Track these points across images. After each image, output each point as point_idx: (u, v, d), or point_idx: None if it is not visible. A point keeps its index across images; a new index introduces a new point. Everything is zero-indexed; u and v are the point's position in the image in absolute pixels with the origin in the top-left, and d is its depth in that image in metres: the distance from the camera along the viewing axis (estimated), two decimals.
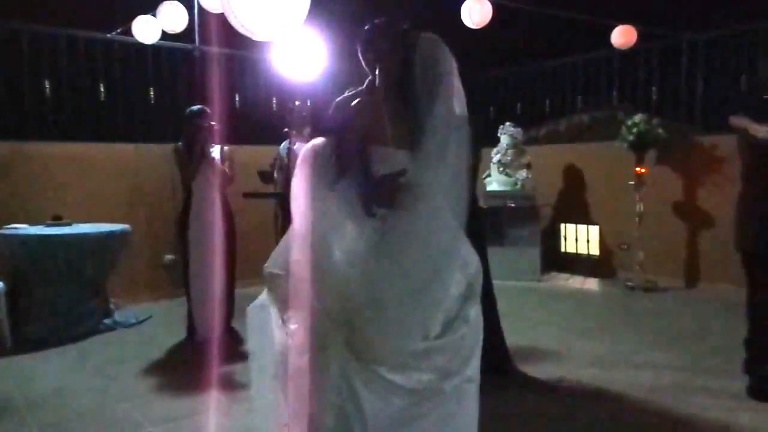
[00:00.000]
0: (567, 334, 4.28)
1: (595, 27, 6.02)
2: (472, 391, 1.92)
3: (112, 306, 4.82)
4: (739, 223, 3.15)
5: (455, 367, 1.84)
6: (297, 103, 4.97)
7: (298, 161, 1.98)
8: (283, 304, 1.92)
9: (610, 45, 6.04)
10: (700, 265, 5.74)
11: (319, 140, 2.00)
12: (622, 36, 5.93)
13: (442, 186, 1.81)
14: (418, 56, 1.86)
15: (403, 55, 1.90)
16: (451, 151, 1.80)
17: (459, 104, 1.83)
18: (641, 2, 6.91)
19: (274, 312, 1.96)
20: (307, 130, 4.89)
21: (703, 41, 6.07)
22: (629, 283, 5.78)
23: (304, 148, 2.02)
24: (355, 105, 1.94)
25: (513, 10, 5.93)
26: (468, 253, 1.93)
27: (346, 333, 1.79)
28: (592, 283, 6.18)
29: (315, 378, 1.80)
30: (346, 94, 2.01)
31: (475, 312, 1.93)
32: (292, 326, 1.88)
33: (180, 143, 4.22)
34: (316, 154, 1.93)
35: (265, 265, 2.03)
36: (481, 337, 1.96)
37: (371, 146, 1.88)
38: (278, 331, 1.93)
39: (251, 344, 2.07)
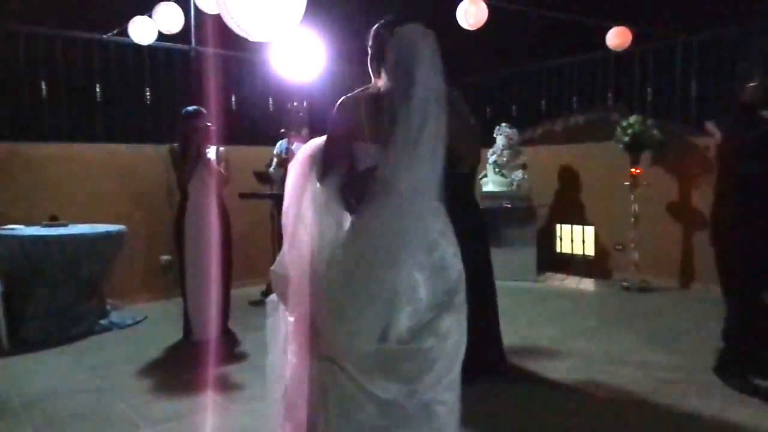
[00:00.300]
0: (563, 333, 4.30)
1: (590, 28, 6.04)
2: (445, 414, 1.83)
3: (108, 307, 4.82)
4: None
5: (424, 384, 1.77)
6: (294, 103, 4.98)
7: (293, 160, 2.01)
8: (284, 300, 1.95)
9: (605, 46, 6.06)
10: (694, 265, 5.77)
11: (316, 139, 2.02)
12: (618, 37, 5.95)
13: (414, 182, 1.75)
14: (394, 46, 1.81)
15: (381, 47, 1.91)
16: (426, 143, 1.74)
17: (434, 85, 1.78)
18: (636, 4, 6.94)
19: (281, 308, 2.03)
20: (305, 131, 4.90)
21: (698, 42, 6.10)
22: (624, 284, 5.81)
23: (301, 147, 2.05)
24: (339, 103, 1.95)
25: (509, 11, 5.95)
26: (449, 255, 1.87)
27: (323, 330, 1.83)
28: (587, 284, 6.21)
29: (301, 374, 1.83)
30: (353, 93, 2.02)
31: (447, 326, 1.82)
32: (290, 320, 1.93)
33: (176, 144, 4.22)
34: (309, 153, 1.96)
35: (272, 265, 2.07)
36: (457, 360, 1.86)
37: (353, 142, 1.89)
38: (283, 327, 1.98)
39: (267, 336, 2.15)
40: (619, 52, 6.20)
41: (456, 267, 1.88)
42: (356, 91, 2.01)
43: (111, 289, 4.98)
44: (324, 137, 1.99)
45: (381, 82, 1.90)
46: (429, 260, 1.83)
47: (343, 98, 1.99)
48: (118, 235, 4.69)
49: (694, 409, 2.97)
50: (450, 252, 1.88)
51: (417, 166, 1.74)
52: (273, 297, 2.11)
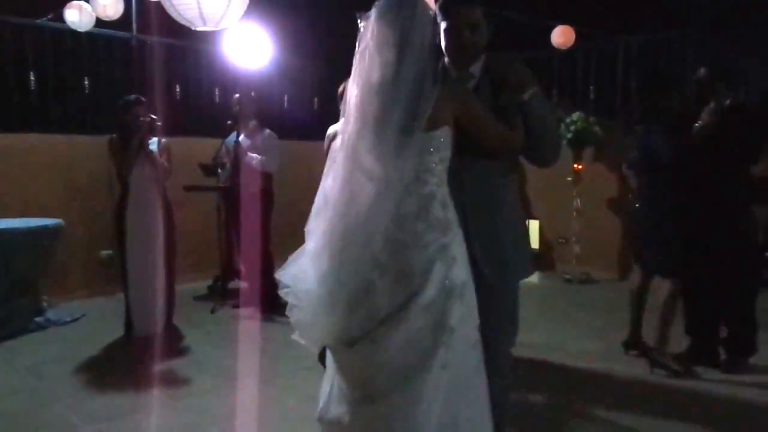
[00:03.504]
0: None
1: (535, 27, 6.18)
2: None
3: (44, 304, 4.62)
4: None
5: (383, 385, 1.68)
6: (236, 96, 4.90)
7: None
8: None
9: (549, 45, 6.22)
10: (632, 258, 6.00)
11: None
12: (561, 36, 6.12)
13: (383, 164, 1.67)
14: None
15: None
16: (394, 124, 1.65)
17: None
18: (579, 4, 7.13)
19: None
20: (252, 123, 4.83)
21: (638, 43, 6.34)
22: (567, 276, 5.99)
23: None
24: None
25: None
26: (414, 257, 1.68)
27: None
28: (531, 276, 6.32)
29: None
30: None
31: (397, 341, 1.66)
32: None
33: (115, 135, 4.08)
34: (330, 137, 1.92)
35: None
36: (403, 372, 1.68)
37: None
38: None
39: None
40: (563, 50, 6.38)
41: (417, 268, 1.68)
42: None
43: (47, 286, 4.78)
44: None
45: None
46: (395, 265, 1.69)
47: None
48: (54, 229, 4.50)
49: (627, 391, 3.11)
50: (415, 256, 1.68)
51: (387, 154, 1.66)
52: None
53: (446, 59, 1.97)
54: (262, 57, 4.50)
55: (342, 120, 1.84)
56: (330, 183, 1.77)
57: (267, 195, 4.77)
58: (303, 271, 1.76)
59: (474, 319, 1.77)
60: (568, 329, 4.34)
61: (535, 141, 1.90)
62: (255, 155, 4.66)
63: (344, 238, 1.69)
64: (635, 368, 3.48)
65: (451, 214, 1.77)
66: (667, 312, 3.40)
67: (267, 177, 4.78)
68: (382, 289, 1.67)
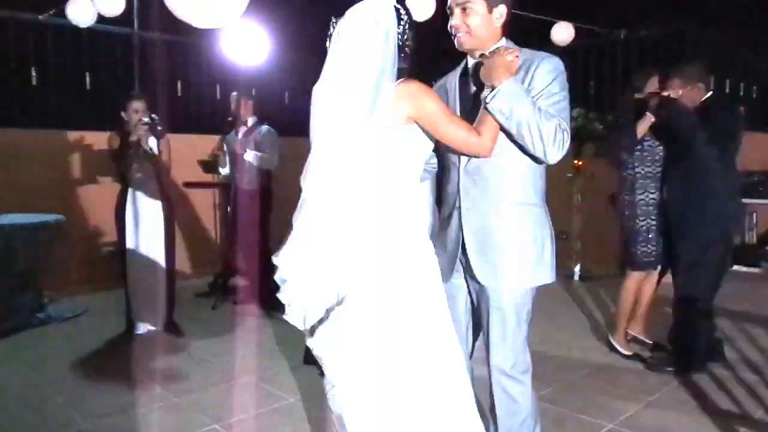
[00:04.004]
0: None
1: (535, 23, 6.16)
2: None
3: (45, 299, 4.64)
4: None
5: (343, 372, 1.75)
6: (234, 93, 4.89)
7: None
8: None
9: (549, 41, 6.21)
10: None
11: None
12: (561, 32, 6.11)
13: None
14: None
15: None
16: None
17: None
18: (579, 1, 7.11)
19: None
20: (252, 120, 4.82)
21: (637, 39, 6.33)
22: (567, 272, 6.00)
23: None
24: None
25: None
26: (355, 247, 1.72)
27: None
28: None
29: None
30: None
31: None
32: None
33: (114, 131, 4.08)
34: None
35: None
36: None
37: None
38: None
39: None
40: (562, 47, 6.37)
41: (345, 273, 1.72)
42: None
43: (49, 281, 4.79)
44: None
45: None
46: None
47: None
48: (56, 224, 4.51)
49: (630, 389, 3.12)
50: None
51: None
52: None
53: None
54: (261, 53, 4.49)
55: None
56: (304, 174, 1.80)
57: (265, 192, 4.77)
58: (289, 255, 1.80)
59: (431, 327, 1.74)
60: (570, 326, 4.35)
61: (515, 141, 1.80)
62: (253, 152, 4.65)
63: (307, 224, 1.75)
64: (637, 364, 3.49)
65: (414, 217, 1.76)
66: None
67: (265, 174, 4.78)
68: (331, 271, 1.72)
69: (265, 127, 4.79)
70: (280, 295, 1.83)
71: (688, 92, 3.26)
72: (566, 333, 4.15)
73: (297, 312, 1.80)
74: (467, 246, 1.90)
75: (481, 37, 1.89)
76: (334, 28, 1.79)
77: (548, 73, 1.84)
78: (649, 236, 3.52)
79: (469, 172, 1.90)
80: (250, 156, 4.63)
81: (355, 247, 1.70)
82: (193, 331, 4.20)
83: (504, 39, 1.93)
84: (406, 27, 1.78)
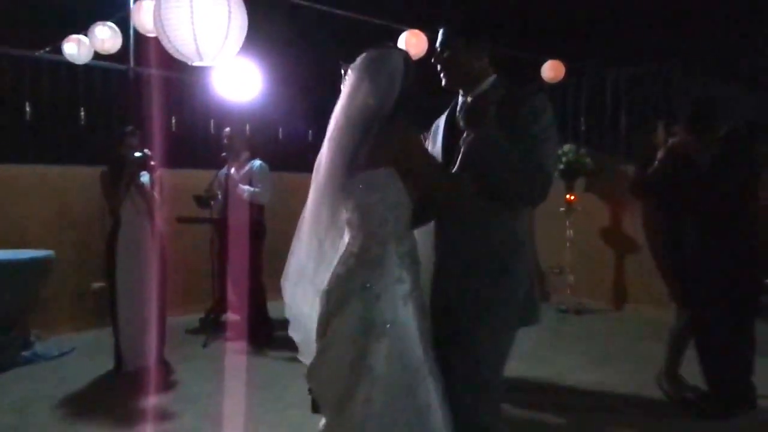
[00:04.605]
0: None
1: (526, 62, 6.30)
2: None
3: (32, 337, 4.55)
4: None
5: (328, 405, 1.85)
6: (227, 129, 4.93)
7: None
8: None
9: (540, 79, 6.33)
10: (626, 287, 6.01)
11: None
12: (552, 70, 6.24)
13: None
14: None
15: None
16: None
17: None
18: (569, 40, 7.28)
19: None
20: (244, 155, 4.84)
21: (625, 77, 6.46)
22: (561, 306, 5.98)
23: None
24: None
25: None
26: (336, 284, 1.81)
27: None
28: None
29: None
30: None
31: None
32: None
33: (107, 168, 4.08)
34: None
35: None
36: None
37: None
38: None
39: None
40: (553, 84, 6.49)
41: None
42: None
43: (36, 319, 4.71)
44: None
45: None
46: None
47: None
48: (45, 261, 4.46)
49: (629, 425, 3.07)
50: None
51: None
52: None
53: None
54: (254, 90, 4.54)
55: None
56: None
57: (258, 227, 4.76)
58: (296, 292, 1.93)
59: (411, 362, 1.72)
60: (566, 360, 4.30)
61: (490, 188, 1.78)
62: (246, 187, 4.66)
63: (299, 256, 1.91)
64: (636, 400, 3.45)
65: (393, 255, 1.77)
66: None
67: (258, 209, 4.78)
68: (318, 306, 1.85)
69: (257, 162, 4.81)
70: (290, 333, 1.93)
71: (694, 139, 3.28)
72: (563, 367, 4.10)
73: (308, 351, 1.88)
74: (441, 284, 1.94)
75: (460, 77, 1.93)
76: (344, 71, 1.90)
77: (531, 113, 1.82)
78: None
79: (450, 213, 1.88)
80: (243, 191, 4.64)
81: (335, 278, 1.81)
82: (183, 368, 4.12)
83: (493, 77, 1.94)
84: (412, 74, 1.84)
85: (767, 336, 3.29)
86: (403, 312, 1.75)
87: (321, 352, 1.81)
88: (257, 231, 4.73)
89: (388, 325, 1.72)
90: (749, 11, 6.24)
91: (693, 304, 3.31)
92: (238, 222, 4.60)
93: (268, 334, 4.72)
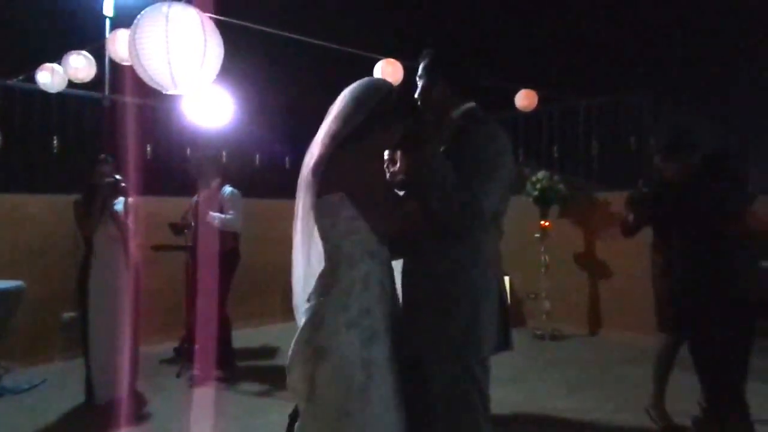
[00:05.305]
0: None
1: (500, 90, 6.42)
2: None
3: (0, 370, 4.42)
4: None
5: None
6: (196, 153, 4.89)
7: None
8: None
9: (514, 107, 6.47)
10: (601, 312, 6.08)
11: None
12: (525, 99, 6.38)
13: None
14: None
15: None
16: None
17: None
18: (541, 70, 7.48)
19: None
20: (215, 182, 4.78)
21: (597, 105, 6.63)
22: (537, 332, 6.01)
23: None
24: None
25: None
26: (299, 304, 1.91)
27: None
28: None
29: None
30: None
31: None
32: None
33: (80, 197, 4.04)
34: None
35: None
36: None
37: None
38: None
39: None
40: (527, 112, 6.63)
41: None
42: None
43: (4, 351, 4.58)
44: None
45: None
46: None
47: None
48: (14, 292, 4.35)
49: None
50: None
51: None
52: None
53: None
54: (227, 117, 4.56)
55: None
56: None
57: (232, 254, 4.70)
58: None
59: (351, 388, 1.73)
60: (542, 386, 4.32)
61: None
62: (216, 214, 4.58)
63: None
64: (612, 424, 3.46)
65: (343, 280, 1.78)
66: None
67: (232, 236, 4.72)
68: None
69: (228, 189, 4.76)
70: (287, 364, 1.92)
71: (672, 165, 3.37)
72: (539, 393, 4.11)
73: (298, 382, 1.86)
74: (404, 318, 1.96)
75: (430, 105, 2.01)
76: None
77: (480, 141, 1.86)
78: None
79: (408, 242, 1.93)
80: (213, 218, 4.58)
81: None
82: (156, 399, 4.03)
83: (467, 105, 1.98)
84: (386, 98, 1.87)
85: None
86: (345, 338, 1.75)
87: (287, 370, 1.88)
88: (230, 259, 4.67)
89: (327, 350, 1.75)
90: (719, 44, 6.49)
91: (684, 329, 3.35)
92: (208, 250, 4.51)
93: (231, 363, 4.64)
